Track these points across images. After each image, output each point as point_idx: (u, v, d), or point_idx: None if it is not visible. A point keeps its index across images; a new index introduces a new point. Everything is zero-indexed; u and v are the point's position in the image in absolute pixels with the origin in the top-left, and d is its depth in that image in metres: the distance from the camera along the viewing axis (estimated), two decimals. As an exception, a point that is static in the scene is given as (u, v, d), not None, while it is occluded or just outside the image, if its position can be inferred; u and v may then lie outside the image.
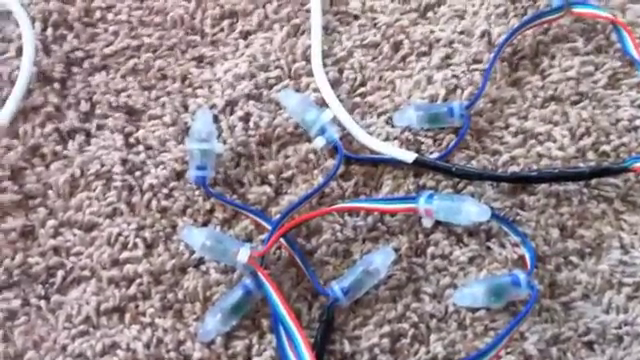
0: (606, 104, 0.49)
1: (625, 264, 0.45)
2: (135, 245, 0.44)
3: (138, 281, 0.44)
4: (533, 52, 0.50)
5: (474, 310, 0.43)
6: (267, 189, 0.46)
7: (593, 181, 0.46)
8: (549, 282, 0.44)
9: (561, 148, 0.47)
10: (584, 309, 0.44)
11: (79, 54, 0.50)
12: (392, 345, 0.43)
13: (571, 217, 0.46)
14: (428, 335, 0.43)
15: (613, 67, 0.50)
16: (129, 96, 0.49)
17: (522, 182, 0.46)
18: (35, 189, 0.46)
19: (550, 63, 0.50)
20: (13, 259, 0.44)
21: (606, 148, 0.47)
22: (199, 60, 0.50)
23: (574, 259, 0.45)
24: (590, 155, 0.47)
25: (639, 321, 0.43)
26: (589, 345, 0.43)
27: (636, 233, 0.45)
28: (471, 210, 0.43)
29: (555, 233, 0.45)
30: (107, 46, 0.50)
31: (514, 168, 0.47)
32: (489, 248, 0.45)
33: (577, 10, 0.50)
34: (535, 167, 0.47)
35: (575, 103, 0.49)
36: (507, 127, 0.48)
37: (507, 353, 0.42)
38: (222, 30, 0.51)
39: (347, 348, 0.42)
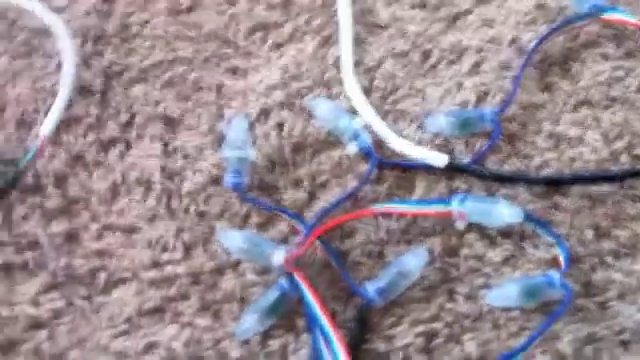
0: (638, 108, 0.49)
1: (661, 264, 0.44)
2: (174, 248, 0.45)
3: (177, 282, 0.44)
4: (563, 58, 0.51)
5: (508, 310, 0.43)
6: (301, 194, 0.47)
7: (627, 182, 0.46)
8: (584, 282, 0.44)
9: (594, 151, 0.47)
10: (619, 308, 0.43)
11: (117, 68, 0.51)
12: (426, 344, 0.43)
13: (606, 218, 0.45)
14: (462, 335, 0.43)
15: (644, 72, 0.50)
16: (166, 107, 0.50)
17: (555, 184, 0.46)
18: (78, 195, 0.47)
19: (580, 69, 0.50)
20: (58, 262, 0.45)
21: (639, 151, 0.47)
22: (233, 72, 0.51)
23: (609, 259, 0.44)
24: (623, 158, 0.47)
25: (674, 320, 0.43)
26: (624, 344, 0.43)
27: (671, 233, 0.45)
28: (504, 212, 0.43)
29: (589, 234, 0.45)
30: (144, 60, 0.52)
31: (547, 171, 0.47)
32: (523, 249, 0.45)
33: (606, 16, 0.51)
34: (568, 171, 0.47)
35: (607, 107, 0.49)
36: (539, 132, 0.48)
37: (542, 352, 0.42)
38: (254, 42, 0.52)
39: (382, 347, 0.43)
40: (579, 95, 0.49)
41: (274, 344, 0.43)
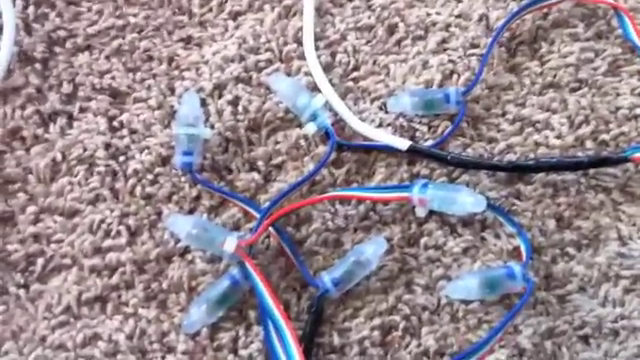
0: (606, 92, 0.48)
1: (623, 256, 0.44)
2: (118, 233, 0.43)
3: (121, 270, 0.42)
4: (532, 37, 0.49)
5: (467, 302, 0.42)
6: (256, 176, 0.45)
7: (591, 171, 0.45)
8: (545, 274, 0.43)
9: (559, 136, 0.46)
10: (580, 302, 0.43)
11: (62, 33, 0.48)
12: (383, 338, 0.42)
13: (568, 207, 0.45)
14: (420, 328, 0.42)
15: (614, 54, 0.49)
16: (113, 78, 0.47)
17: (519, 171, 0.45)
18: (15, 174, 0.44)
19: (549, 49, 0.49)
20: (-9, 246, 0.43)
21: (605, 137, 0.46)
22: (186, 41, 0.49)
23: (571, 251, 0.44)
24: (589, 144, 0.46)
25: (635, 315, 0.42)
26: (584, 339, 0.42)
27: (634, 224, 0.45)
28: (466, 200, 0.42)
29: (552, 224, 0.44)
30: (91, 25, 0.48)
31: (510, 156, 0.46)
32: (484, 239, 0.44)
33: (577, -6, 0.49)
34: (532, 156, 0.46)
35: (574, 90, 0.48)
36: (504, 114, 0.47)
37: (501, 347, 0.41)
38: (211, 10, 0.49)
39: (336, 341, 0.41)
40: (546, 77, 0.48)
41: (224, 337, 0.41)
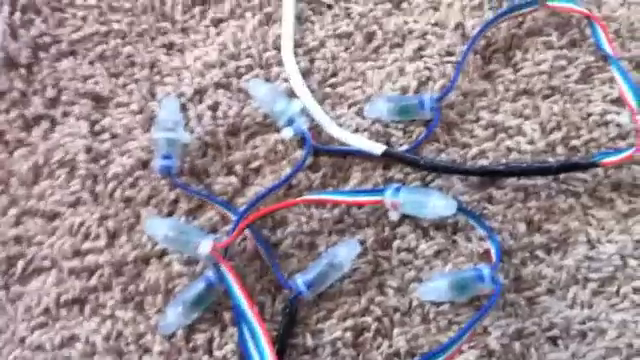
0: (578, 98, 0.48)
1: (591, 259, 0.44)
2: (97, 235, 0.44)
3: (99, 272, 0.43)
4: (507, 45, 0.50)
5: (438, 304, 0.43)
6: (233, 179, 0.46)
7: (561, 176, 0.46)
8: (514, 276, 0.44)
9: (531, 142, 0.47)
10: (549, 304, 0.43)
11: (46, 39, 0.49)
12: (355, 339, 0.43)
13: (538, 211, 0.45)
14: (391, 329, 0.43)
15: (586, 62, 0.49)
16: (96, 83, 0.48)
17: (490, 176, 0.46)
18: (-3, 176, 0.45)
19: (523, 56, 0.50)
20: (-28, 248, 0.44)
21: (576, 143, 0.47)
22: (169, 47, 0.50)
23: (540, 254, 0.45)
24: (560, 150, 0.47)
25: (603, 317, 0.43)
26: (553, 340, 0.43)
27: (603, 228, 0.45)
28: (437, 204, 0.43)
29: (522, 227, 0.45)
30: (75, 31, 0.49)
31: (483, 162, 0.47)
32: (455, 242, 0.45)
33: (552, 3, 0.50)
34: (504, 161, 0.47)
35: (547, 97, 0.48)
36: (477, 120, 0.48)
37: (470, 347, 0.42)
38: (193, 17, 0.50)
39: (310, 342, 0.42)
40: (520, 84, 0.49)
41: (199, 338, 0.42)
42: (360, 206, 0.45)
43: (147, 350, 0.42)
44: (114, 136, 0.47)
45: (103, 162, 0.46)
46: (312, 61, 0.49)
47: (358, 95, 0.48)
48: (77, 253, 0.44)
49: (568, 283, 0.44)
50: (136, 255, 0.44)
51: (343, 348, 0.42)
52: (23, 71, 0.48)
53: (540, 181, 0.46)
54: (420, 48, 0.50)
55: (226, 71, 0.48)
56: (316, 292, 0.42)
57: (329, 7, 0.51)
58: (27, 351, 0.41)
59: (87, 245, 0.44)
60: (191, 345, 0.42)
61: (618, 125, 0.47)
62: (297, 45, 0.49)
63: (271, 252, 0.43)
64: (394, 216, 0.44)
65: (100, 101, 0.48)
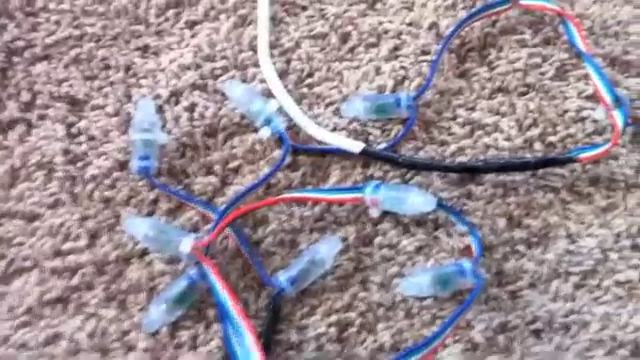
0: (553, 95, 0.49)
1: (572, 253, 0.45)
2: (78, 236, 0.43)
3: (81, 272, 0.43)
4: (481, 44, 0.51)
5: (421, 299, 0.43)
6: (213, 179, 0.45)
7: (540, 171, 0.46)
8: (496, 271, 0.44)
9: (508, 139, 0.47)
10: (531, 297, 0.44)
11: (20, 43, 0.48)
12: (339, 334, 0.42)
13: (518, 207, 0.46)
14: (375, 324, 0.43)
15: (560, 59, 0.50)
16: (71, 86, 0.48)
17: (469, 172, 0.46)
18: (-27, 180, 0.45)
19: (498, 55, 0.50)
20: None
21: (553, 139, 0.47)
22: (143, 50, 0.49)
23: (521, 248, 0.45)
24: (537, 146, 0.47)
25: (586, 310, 0.43)
26: (536, 333, 0.43)
27: (582, 223, 0.46)
28: (417, 200, 0.43)
29: (502, 223, 0.45)
30: (49, 35, 0.49)
31: (462, 159, 0.47)
32: (436, 237, 0.45)
33: (525, 2, 0.51)
34: (482, 158, 0.47)
35: (522, 94, 0.49)
36: (455, 118, 0.48)
37: (455, 341, 0.42)
38: (167, 20, 0.50)
39: (294, 337, 0.42)
40: (495, 82, 0.49)
41: (184, 335, 0.42)
42: (341, 204, 0.45)
43: (132, 347, 0.41)
44: (91, 138, 0.46)
45: (80, 164, 0.45)
46: (288, 62, 0.49)
47: (335, 95, 0.49)
48: (58, 253, 0.43)
49: (550, 277, 0.44)
50: (117, 254, 0.43)
51: (328, 343, 0.42)
52: (-3, 75, 0.47)
53: (519, 177, 0.46)
54: (395, 48, 0.50)
55: (202, 73, 0.48)
56: (299, 289, 0.42)
57: (303, 8, 0.51)
58: (11, 349, 0.41)
59: (68, 245, 0.43)
60: (176, 342, 0.41)
61: (594, 121, 0.48)
62: (272, 46, 0.50)
63: (253, 250, 0.43)
64: (375, 213, 0.44)
65: (76, 104, 0.47)
